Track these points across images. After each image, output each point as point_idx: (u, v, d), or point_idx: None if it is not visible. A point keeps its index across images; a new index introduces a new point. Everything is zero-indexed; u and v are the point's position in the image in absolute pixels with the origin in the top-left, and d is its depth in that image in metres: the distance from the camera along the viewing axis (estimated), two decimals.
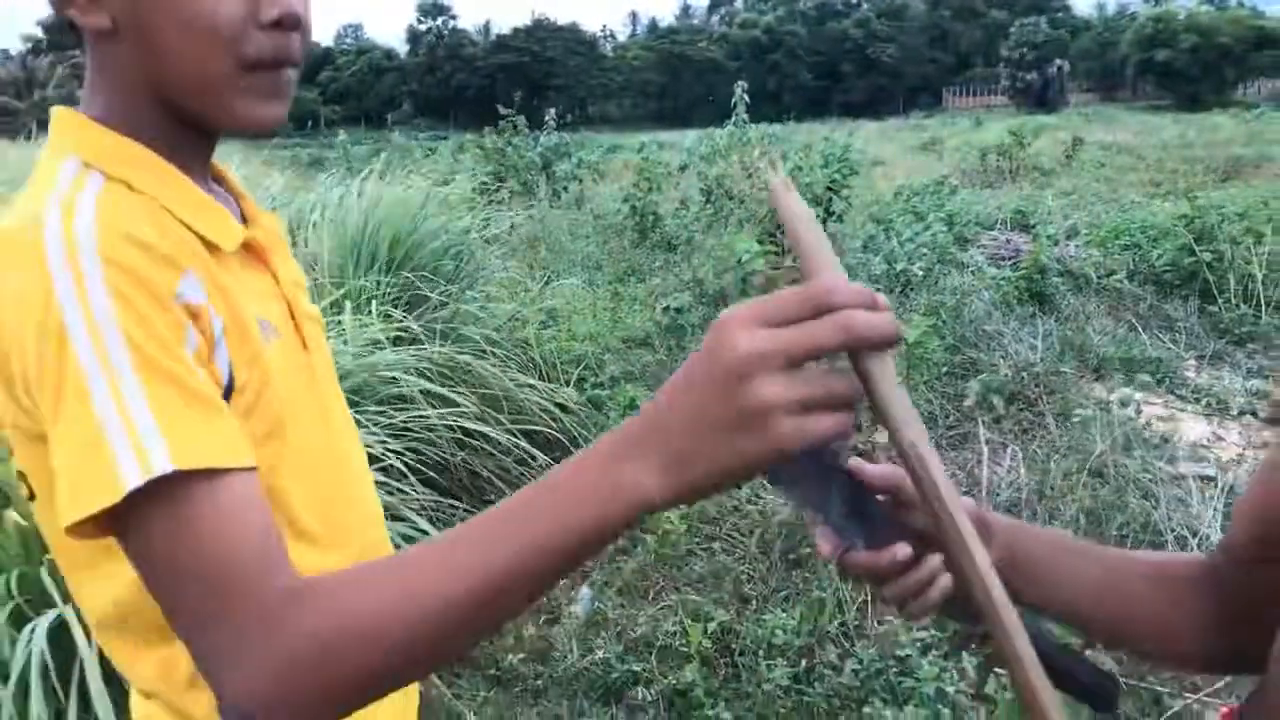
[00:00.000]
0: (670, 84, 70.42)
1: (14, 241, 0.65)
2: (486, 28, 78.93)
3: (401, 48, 78.50)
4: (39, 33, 63.15)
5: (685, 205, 9.17)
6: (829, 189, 6.08)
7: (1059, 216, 8.26)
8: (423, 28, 77.61)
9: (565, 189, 10.64)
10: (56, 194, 0.69)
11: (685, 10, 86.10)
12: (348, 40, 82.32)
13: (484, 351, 3.79)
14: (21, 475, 0.75)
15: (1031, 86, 57.56)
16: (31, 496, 0.75)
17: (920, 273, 5.61)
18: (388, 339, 3.28)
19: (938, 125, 31.37)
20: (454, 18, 78.45)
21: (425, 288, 3.71)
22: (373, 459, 2.80)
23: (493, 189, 8.39)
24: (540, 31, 71.53)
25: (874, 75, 68.32)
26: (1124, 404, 4.33)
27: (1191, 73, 52.08)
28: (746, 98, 8.41)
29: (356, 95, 73.27)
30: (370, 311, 3.39)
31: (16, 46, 63.38)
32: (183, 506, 0.61)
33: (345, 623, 0.58)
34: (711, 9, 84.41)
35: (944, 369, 4.56)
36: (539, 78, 68.22)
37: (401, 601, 0.58)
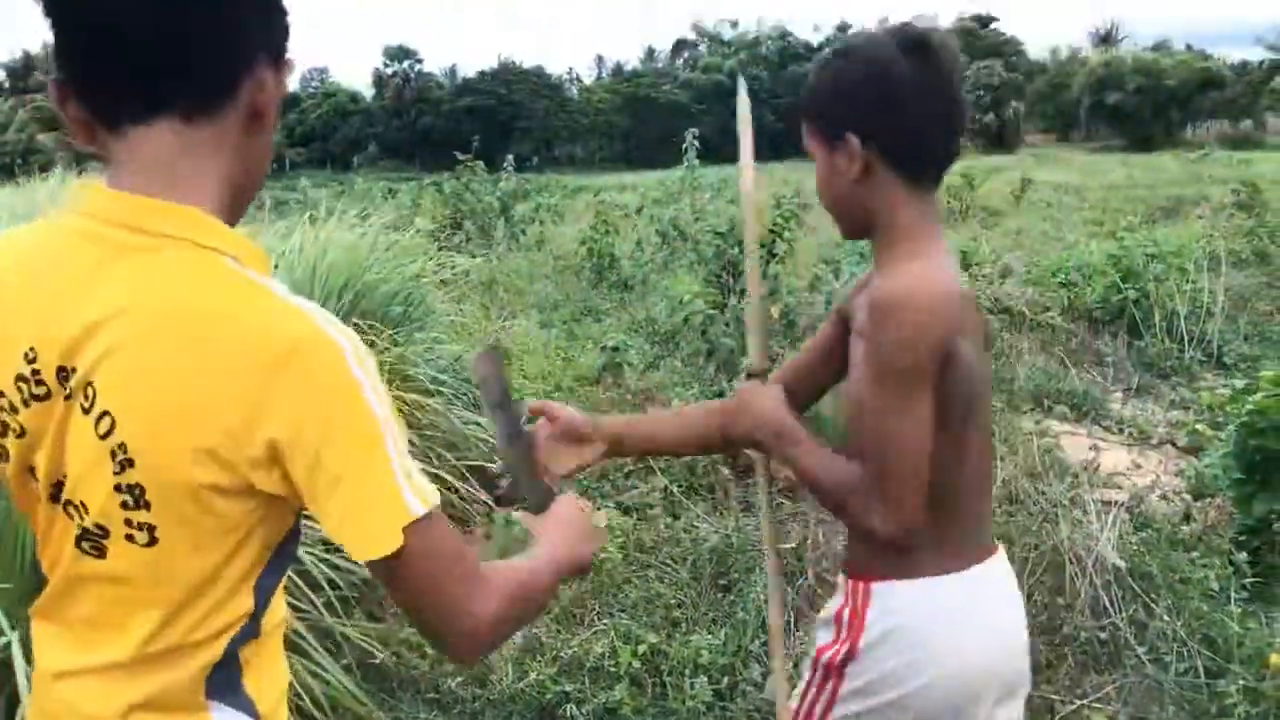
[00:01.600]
0: (635, 126, 71.34)
1: (322, 341, 0.88)
2: (453, 71, 79.66)
3: (368, 91, 78.92)
4: (1, 75, 62.94)
5: (641, 247, 9.40)
6: (771, 231, 6.31)
7: (1001, 256, 8.58)
8: (389, 71, 78.15)
9: (523, 231, 10.86)
10: (289, 303, 0.89)
11: (650, 54, 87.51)
12: (314, 84, 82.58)
13: (431, 391, 3.94)
14: (143, 526, 0.90)
15: (988, 128, 59.04)
16: (150, 544, 0.90)
17: None
18: None
19: None
20: (419, 61, 79.12)
21: (372, 333, 3.86)
22: None
23: (449, 232, 8.56)
24: (506, 74, 72.27)
25: None
26: (1043, 434, 4.55)
27: (1141, 114, 53.67)
28: (697, 143, 8.70)
29: (322, 138, 73.42)
30: None
31: None
32: (434, 526, 0.93)
33: (515, 601, 1.01)
34: (675, 53, 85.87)
35: None
36: (505, 120, 68.81)
37: (527, 590, 1.06)
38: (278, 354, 0.85)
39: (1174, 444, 5.03)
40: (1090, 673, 2.77)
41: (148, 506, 0.88)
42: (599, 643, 2.95)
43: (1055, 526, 3.21)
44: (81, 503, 0.91)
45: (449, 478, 3.70)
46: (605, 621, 3.10)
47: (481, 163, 10.42)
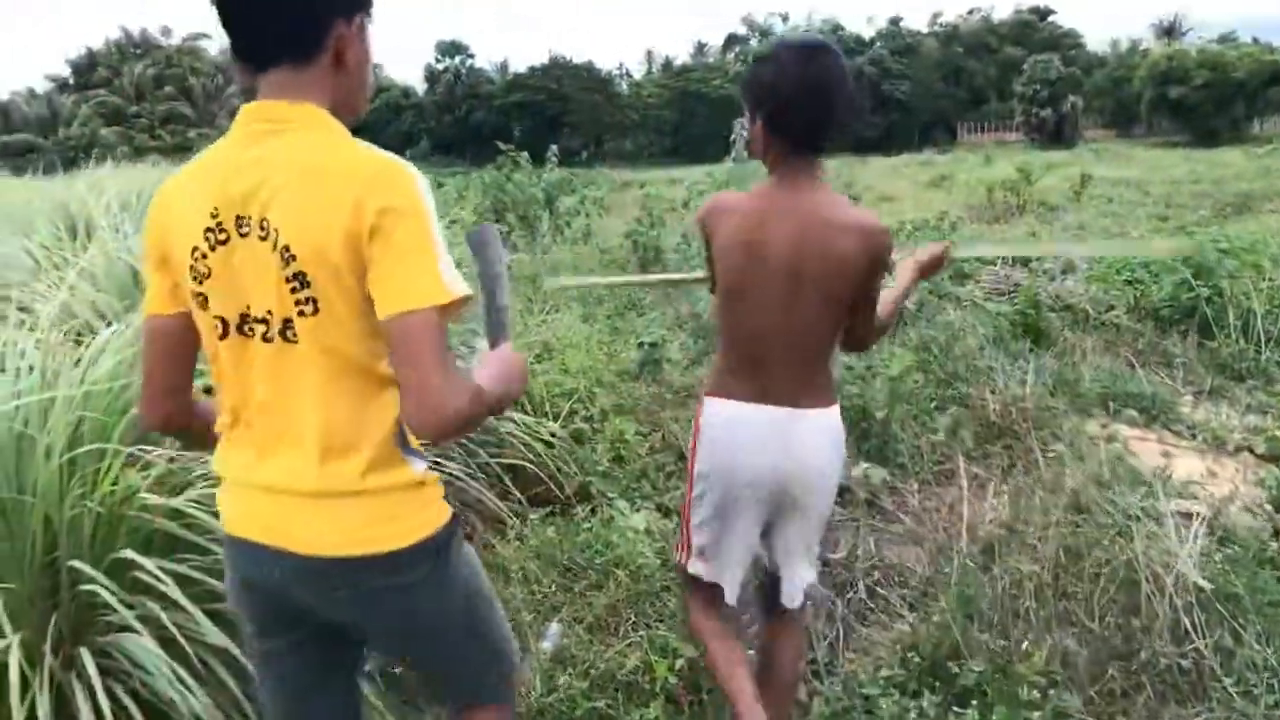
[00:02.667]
0: (684, 120, 70.89)
1: (398, 169, 1.36)
2: (504, 66, 79.80)
3: (420, 86, 79.39)
4: (65, 71, 64.20)
5: (687, 240, 9.20)
6: None
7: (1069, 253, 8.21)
8: (440, 66, 78.54)
9: (568, 224, 10.70)
10: (376, 151, 1.38)
11: (700, 48, 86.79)
12: None
13: None
14: (309, 300, 1.34)
15: (1045, 123, 57.59)
16: (315, 313, 1.35)
17: (913, 307, 5.59)
18: None
19: (950, 162, 31.40)
20: (471, 56, 79.29)
21: None
22: None
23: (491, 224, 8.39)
24: (556, 69, 72.24)
25: (888, 112, 68.54)
26: (1112, 439, 4.28)
27: (1205, 108, 51.91)
28: (745, 134, 8.50)
29: (374, 133, 73.81)
30: None
31: (42, 85, 64.26)
32: (448, 317, 1.33)
33: (474, 404, 1.33)
34: (726, 47, 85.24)
35: (933, 404, 4.52)
36: (554, 115, 68.86)
37: (482, 398, 1.36)
38: (370, 173, 1.33)
39: (1252, 450, 4.71)
40: (1170, 704, 2.52)
41: (308, 285, 1.33)
42: (633, 655, 2.77)
43: (1129, 541, 2.96)
44: (269, 311, 1.37)
45: (474, 483, 3.54)
46: (640, 633, 2.92)
47: (526, 153, 10.21)
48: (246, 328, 1.39)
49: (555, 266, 9.38)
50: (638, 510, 3.65)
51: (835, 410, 2.12)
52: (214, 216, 1.36)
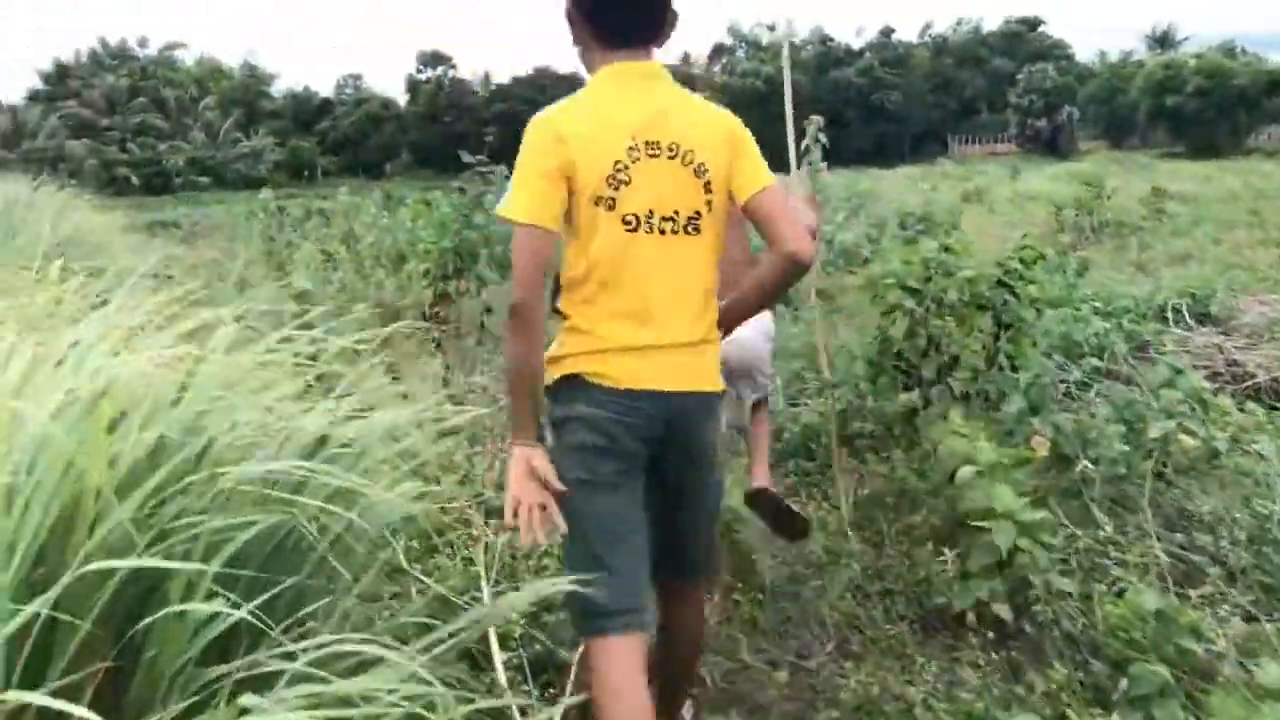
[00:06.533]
0: None
1: (740, 125, 2.20)
2: (486, 78, 77.86)
3: (401, 98, 77.32)
4: (39, 83, 61.40)
5: None
6: (1002, 283, 3.95)
7: (1252, 302, 6.20)
8: (422, 77, 76.48)
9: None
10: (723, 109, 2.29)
11: (685, 59, 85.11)
12: (347, 91, 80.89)
13: None
14: (709, 202, 2.04)
15: (1040, 133, 56.30)
16: (710, 210, 2.06)
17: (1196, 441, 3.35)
18: None
19: (965, 172, 29.42)
20: (453, 67, 77.36)
21: None
22: None
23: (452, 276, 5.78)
24: (542, 80, 70.46)
25: (879, 123, 66.99)
26: None
27: (1205, 117, 50.62)
28: None
29: (354, 145, 71.55)
30: None
31: (16, 98, 61.52)
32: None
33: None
34: (712, 58, 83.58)
35: None
36: None
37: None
38: (729, 117, 2.10)
39: None
40: None
41: (712, 191, 2.02)
42: None
43: None
44: (675, 210, 2.00)
45: None
46: None
47: (502, 167, 7.37)
48: (647, 224, 1.96)
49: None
50: None
51: None
52: (632, 137, 1.94)
